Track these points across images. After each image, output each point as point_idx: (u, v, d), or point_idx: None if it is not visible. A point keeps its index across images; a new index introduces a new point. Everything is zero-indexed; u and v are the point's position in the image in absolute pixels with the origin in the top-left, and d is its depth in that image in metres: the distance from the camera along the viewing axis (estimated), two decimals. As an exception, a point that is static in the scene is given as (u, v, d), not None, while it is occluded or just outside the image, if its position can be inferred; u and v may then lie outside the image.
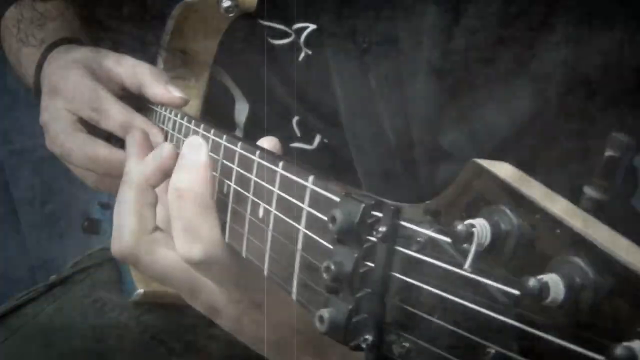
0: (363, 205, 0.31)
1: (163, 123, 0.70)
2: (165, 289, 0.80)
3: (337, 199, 0.33)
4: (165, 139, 0.68)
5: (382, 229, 0.29)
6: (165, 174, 0.51)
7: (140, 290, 0.79)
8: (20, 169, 1.66)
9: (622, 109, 0.58)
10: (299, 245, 0.37)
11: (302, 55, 0.72)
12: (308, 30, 0.71)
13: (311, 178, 0.37)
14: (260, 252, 0.43)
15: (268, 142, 0.51)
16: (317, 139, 0.77)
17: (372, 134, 0.69)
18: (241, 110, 0.83)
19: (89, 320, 0.82)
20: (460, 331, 0.27)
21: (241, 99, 0.83)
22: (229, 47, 0.78)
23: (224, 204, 0.49)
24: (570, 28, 0.58)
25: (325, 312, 0.31)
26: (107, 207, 0.96)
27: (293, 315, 0.51)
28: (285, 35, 0.73)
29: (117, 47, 0.76)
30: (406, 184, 0.69)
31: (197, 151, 0.48)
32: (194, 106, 0.79)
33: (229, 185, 0.49)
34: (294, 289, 0.38)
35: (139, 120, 0.69)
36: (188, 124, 0.62)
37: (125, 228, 0.52)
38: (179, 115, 0.66)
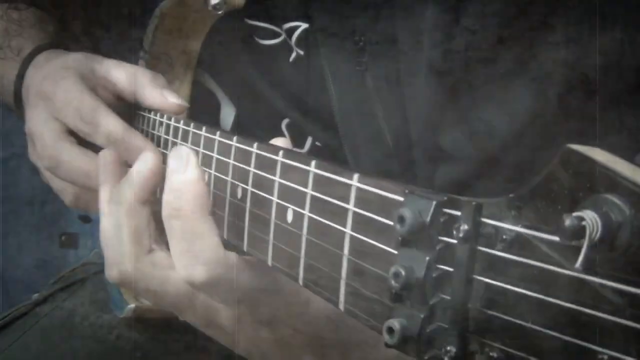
0: (435, 202, 0.28)
1: (154, 128, 0.66)
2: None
3: (396, 197, 0.30)
4: (160, 146, 0.65)
5: (464, 227, 0.26)
6: (155, 185, 0.48)
7: (131, 306, 0.75)
8: (20, 169, 1.64)
9: (622, 109, 0.57)
10: (346, 250, 0.34)
11: (293, 55, 0.69)
12: (300, 30, 0.68)
13: (356, 176, 0.34)
14: (293, 260, 0.39)
15: (281, 143, 0.48)
16: (309, 142, 0.74)
17: (368, 135, 0.67)
18: (227, 115, 0.80)
19: (76, 341, 0.77)
20: (564, 336, 0.24)
21: (227, 103, 0.80)
22: (212, 49, 0.75)
23: (240, 209, 0.46)
24: (570, 28, 0.57)
25: (395, 323, 0.28)
26: (87, 220, 0.92)
27: (309, 329, 0.48)
28: (274, 35, 0.70)
29: (97, 52, 0.72)
30: None
31: (184, 165, 0.45)
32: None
33: (244, 189, 0.46)
34: (342, 298, 0.35)
35: (133, 136, 0.65)
36: (186, 127, 0.58)
37: (120, 253, 0.48)
38: (173, 119, 0.62)
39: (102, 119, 0.65)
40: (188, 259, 0.44)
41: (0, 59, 0.75)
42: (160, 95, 0.64)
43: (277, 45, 0.70)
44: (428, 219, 0.28)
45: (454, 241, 0.27)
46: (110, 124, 0.65)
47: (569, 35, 0.58)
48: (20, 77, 0.71)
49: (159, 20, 0.73)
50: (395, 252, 0.30)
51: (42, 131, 0.66)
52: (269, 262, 0.42)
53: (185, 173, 0.44)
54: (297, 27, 0.68)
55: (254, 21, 0.71)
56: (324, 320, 0.48)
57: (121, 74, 0.66)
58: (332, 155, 0.71)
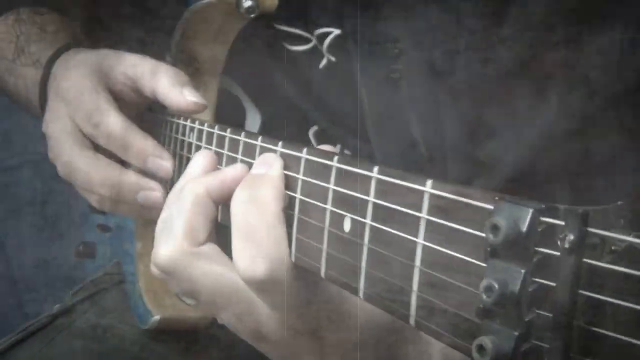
0: (532, 210, 0.26)
1: (185, 135, 0.64)
2: (184, 315, 0.74)
3: (481, 204, 0.28)
4: (190, 151, 0.63)
5: (570, 237, 0.24)
6: (229, 192, 0.46)
7: (157, 317, 0.73)
8: (20, 169, 1.63)
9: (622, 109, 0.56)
10: (417, 261, 0.32)
11: (324, 61, 0.67)
12: (332, 36, 0.66)
13: (429, 182, 0.32)
14: (351, 271, 0.37)
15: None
16: (338, 150, 0.72)
17: (401, 144, 0.65)
18: (253, 122, 0.78)
19: (98, 353, 0.75)
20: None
21: (252, 110, 0.78)
22: (239, 55, 0.73)
23: (287, 217, 0.44)
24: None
25: (486, 341, 0.26)
26: (106, 229, 0.90)
27: (352, 339, 0.46)
28: (304, 41, 0.68)
29: None
30: None
31: (270, 166, 0.44)
32: (205, 116, 0.73)
33: (292, 197, 0.44)
34: (412, 312, 0.32)
35: (140, 140, 0.63)
36: (222, 132, 0.56)
37: (172, 236, 0.46)
38: (206, 125, 0.60)
39: (103, 117, 0.63)
40: (252, 253, 0.42)
41: (23, 65, 0.73)
42: (179, 94, 0.62)
43: (307, 52, 0.69)
44: (525, 228, 0.26)
45: (555, 253, 0.25)
46: (111, 122, 0.62)
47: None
48: (44, 81, 0.69)
49: (187, 23, 0.71)
50: (482, 264, 0.28)
51: (57, 134, 0.65)
52: (322, 274, 0.40)
53: (271, 169, 0.44)
54: (329, 33, 0.66)
55: (284, 26, 0.70)
56: (370, 331, 0.46)
57: (142, 70, 0.64)
58: None
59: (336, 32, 0.66)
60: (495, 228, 0.26)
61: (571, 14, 0.56)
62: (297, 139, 0.70)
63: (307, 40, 0.68)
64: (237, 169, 0.47)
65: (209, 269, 0.46)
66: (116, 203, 0.66)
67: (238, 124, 0.77)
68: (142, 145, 0.62)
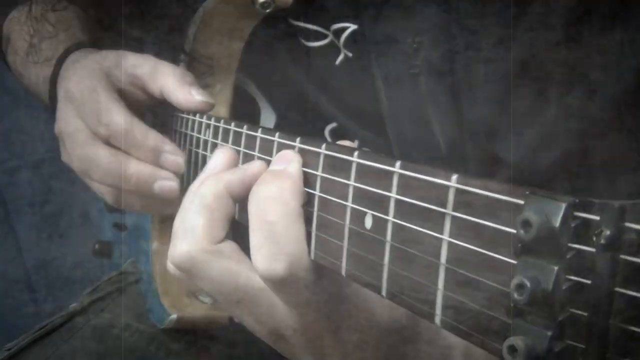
0: (565, 204, 0.25)
1: (200, 132, 0.63)
2: (201, 314, 0.73)
3: (510, 199, 0.27)
4: (205, 149, 0.62)
5: (606, 233, 0.23)
6: (248, 189, 0.45)
7: (174, 316, 0.72)
8: (20, 169, 1.65)
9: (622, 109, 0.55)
10: (443, 259, 0.31)
11: (341, 57, 0.66)
12: (349, 31, 0.65)
13: (454, 177, 0.31)
14: (373, 269, 0.36)
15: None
16: (356, 146, 0.71)
17: (420, 141, 0.64)
18: (267, 120, 0.77)
19: (114, 352, 0.74)
20: None
21: (267, 108, 0.77)
22: (253, 51, 0.72)
23: (306, 215, 0.43)
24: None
25: (518, 341, 0.25)
26: (122, 228, 0.89)
27: (372, 338, 0.45)
28: (321, 36, 0.67)
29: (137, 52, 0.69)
30: None
31: (289, 162, 0.43)
32: (221, 114, 0.73)
33: (310, 194, 0.43)
34: (438, 311, 0.31)
35: (153, 137, 0.63)
36: (238, 129, 0.55)
37: (190, 233, 0.45)
38: (222, 121, 0.59)
39: (112, 117, 0.62)
40: (271, 250, 0.41)
41: (37, 62, 0.73)
42: (187, 93, 0.62)
43: (323, 47, 0.68)
44: (557, 223, 0.25)
45: (590, 249, 0.24)
46: (119, 121, 0.62)
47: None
48: (54, 78, 0.69)
49: (202, 19, 0.70)
50: (512, 261, 0.27)
51: (71, 131, 0.64)
52: (343, 272, 0.39)
53: (288, 166, 0.43)
54: (345, 28, 0.65)
55: (300, 22, 0.69)
56: (391, 330, 0.45)
57: (149, 71, 0.64)
58: None
59: (353, 27, 0.65)
60: (526, 224, 0.25)
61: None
62: (313, 136, 0.69)
63: (324, 36, 0.67)
64: (256, 165, 0.47)
65: (227, 266, 0.45)
66: (132, 198, 0.66)
67: (252, 122, 0.76)
68: (153, 142, 0.62)
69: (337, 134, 0.71)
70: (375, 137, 0.68)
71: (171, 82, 0.62)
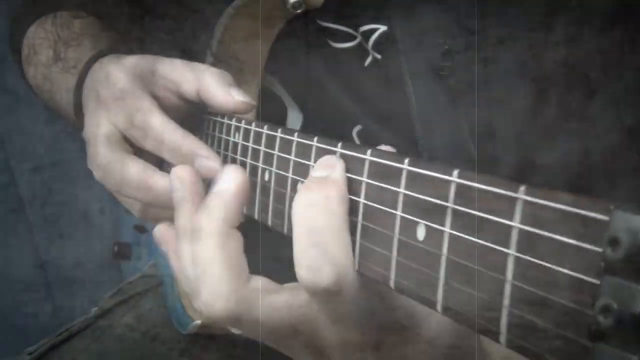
0: (657, 222, 0.23)
1: (229, 134, 0.62)
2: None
3: (591, 214, 0.26)
4: (235, 152, 0.60)
5: None
6: (244, 203, 0.43)
7: (197, 322, 0.71)
8: (20, 169, 1.64)
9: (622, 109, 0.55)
10: (509, 275, 0.30)
11: (369, 59, 0.65)
12: (378, 33, 0.64)
13: (523, 188, 0.29)
14: (427, 283, 0.35)
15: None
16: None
17: (450, 145, 0.63)
18: (294, 122, 0.76)
19: (136, 357, 0.73)
20: None
21: (294, 109, 0.76)
22: (280, 52, 0.71)
23: (350, 223, 0.41)
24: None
25: (604, 367, 0.24)
26: (143, 230, 0.88)
27: (417, 355, 0.44)
28: (349, 37, 0.66)
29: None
30: None
31: (333, 168, 0.42)
32: (249, 116, 0.71)
33: (354, 202, 0.41)
34: (503, 329, 0.30)
35: (189, 140, 0.60)
36: (271, 132, 0.54)
37: (218, 289, 0.43)
38: (253, 124, 0.57)
39: (147, 118, 0.60)
40: (316, 260, 0.39)
41: (63, 70, 0.71)
42: (227, 94, 0.59)
43: (351, 49, 0.66)
44: (649, 241, 0.23)
45: (686, 270, 0.23)
46: (155, 123, 0.60)
47: None
48: (80, 86, 0.67)
49: (230, 19, 0.69)
50: (593, 280, 0.25)
51: (94, 137, 0.62)
52: (392, 284, 0.38)
53: (332, 172, 0.41)
54: (375, 30, 0.64)
55: (328, 23, 0.67)
56: (438, 345, 0.43)
57: (185, 73, 0.61)
58: None
59: (382, 28, 0.64)
60: (615, 242, 0.23)
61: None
62: (341, 139, 0.68)
63: (352, 37, 0.66)
64: (238, 180, 0.45)
65: (275, 301, 0.43)
66: (162, 213, 0.63)
67: (279, 123, 0.75)
68: (189, 145, 0.59)
69: (365, 136, 0.70)
70: (404, 140, 0.66)
71: (210, 83, 0.59)
